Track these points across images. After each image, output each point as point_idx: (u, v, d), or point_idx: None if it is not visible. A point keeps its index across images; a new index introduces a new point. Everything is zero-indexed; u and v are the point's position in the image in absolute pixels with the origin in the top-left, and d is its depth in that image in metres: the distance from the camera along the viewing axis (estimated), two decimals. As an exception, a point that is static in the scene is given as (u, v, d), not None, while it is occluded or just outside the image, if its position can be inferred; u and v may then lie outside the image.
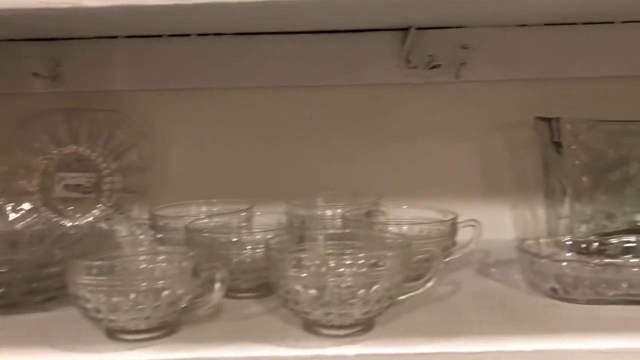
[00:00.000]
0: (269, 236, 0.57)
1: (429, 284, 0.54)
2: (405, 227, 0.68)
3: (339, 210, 0.71)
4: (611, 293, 0.57)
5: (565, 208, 0.75)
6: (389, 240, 0.56)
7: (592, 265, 0.57)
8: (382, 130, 0.82)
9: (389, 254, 0.51)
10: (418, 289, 0.55)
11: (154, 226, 0.70)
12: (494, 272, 0.68)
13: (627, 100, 0.80)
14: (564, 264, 0.59)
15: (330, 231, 0.63)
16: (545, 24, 0.79)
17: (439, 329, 0.53)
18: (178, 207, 0.74)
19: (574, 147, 0.74)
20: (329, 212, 0.74)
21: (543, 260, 0.59)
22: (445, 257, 0.67)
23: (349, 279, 0.49)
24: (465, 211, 0.69)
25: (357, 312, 0.50)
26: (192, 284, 0.50)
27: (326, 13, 0.62)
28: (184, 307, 0.51)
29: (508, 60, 0.80)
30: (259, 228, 0.68)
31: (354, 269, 0.50)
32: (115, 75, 0.81)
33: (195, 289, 0.51)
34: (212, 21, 0.69)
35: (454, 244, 0.68)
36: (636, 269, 0.57)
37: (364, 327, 0.52)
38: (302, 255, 0.53)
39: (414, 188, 0.81)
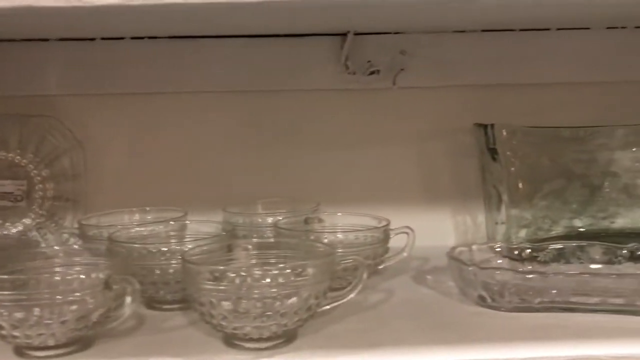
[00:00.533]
0: (191, 246, 0.55)
1: (352, 295, 0.53)
2: (340, 235, 0.68)
3: (279, 218, 0.70)
4: (537, 300, 0.56)
5: (502, 214, 0.74)
6: (320, 249, 0.54)
7: (516, 272, 0.57)
8: (321, 136, 0.81)
9: (309, 263, 0.50)
10: (341, 299, 0.53)
11: (83, 236, 0.68)
12: (429, 280, 0.68)
13: (564, 107, 0.81)
14: (494, 272, 0.58)
15: (255, 239, 0.62)
16: (483, 30, 0.79)
17: (363, 339, 0.52)
18: (110, 215, 0.72)
19: (509, 153, 0.74)
20: (269, 220, 0.73)
21: (470, 268, 0.58)
22: (378, 265, 0.67)
23: (272, 289, 0.48)
24: (406, 218, 0.68)
25: (274, 325, 0.48)
26: (103, 298, 0.48)
27: (263, 16, 0.61)
28: (96, 321, 0.49)
29: (446, 66, 0.80)
30: (192, 237, 0.67)
31: (278, 279, 0.49)
32: (46, 79, 0.79)
33: (107, 303, 0.49)
34: (146, 24, 0.67)
35: (386, 250, 0.67)
36: (561, 276, 0.57)
37: (285, 339, 0.51)
38: (220, 267, 0.51)
39: (354, 195, 0.80)
